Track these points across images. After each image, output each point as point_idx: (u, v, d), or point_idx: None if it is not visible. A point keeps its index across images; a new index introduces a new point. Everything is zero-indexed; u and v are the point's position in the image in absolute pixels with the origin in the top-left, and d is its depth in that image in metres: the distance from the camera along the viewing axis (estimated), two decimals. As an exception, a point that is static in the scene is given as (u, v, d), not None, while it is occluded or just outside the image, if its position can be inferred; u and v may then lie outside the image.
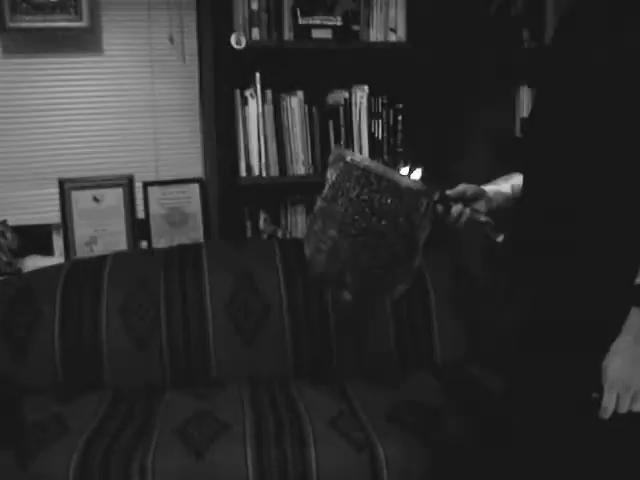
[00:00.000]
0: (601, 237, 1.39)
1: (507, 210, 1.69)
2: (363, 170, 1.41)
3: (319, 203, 1.49)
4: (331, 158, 1.50)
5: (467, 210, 1.61)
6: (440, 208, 1.60)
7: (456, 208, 1.60)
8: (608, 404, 1.36)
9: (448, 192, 1.63)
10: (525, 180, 1.61)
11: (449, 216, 1.61)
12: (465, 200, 1.64)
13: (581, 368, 1.41)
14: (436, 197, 1.54)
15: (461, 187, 1.66)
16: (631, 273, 1.34)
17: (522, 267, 1.56)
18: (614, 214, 1.38)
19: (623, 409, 1.36)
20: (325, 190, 1.48)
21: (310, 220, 1.51)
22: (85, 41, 2.85)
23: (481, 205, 1.66)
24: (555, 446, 1.50)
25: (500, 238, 1.60)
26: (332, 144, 2.96)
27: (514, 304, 1.63)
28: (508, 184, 1.71)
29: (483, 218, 1.62)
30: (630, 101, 1.34)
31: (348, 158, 1.43)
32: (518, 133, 3.08)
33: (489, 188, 1.70)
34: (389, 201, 1.41)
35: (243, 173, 2.87)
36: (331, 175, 1.47)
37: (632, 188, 1.35)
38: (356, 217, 1.43)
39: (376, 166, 1.42)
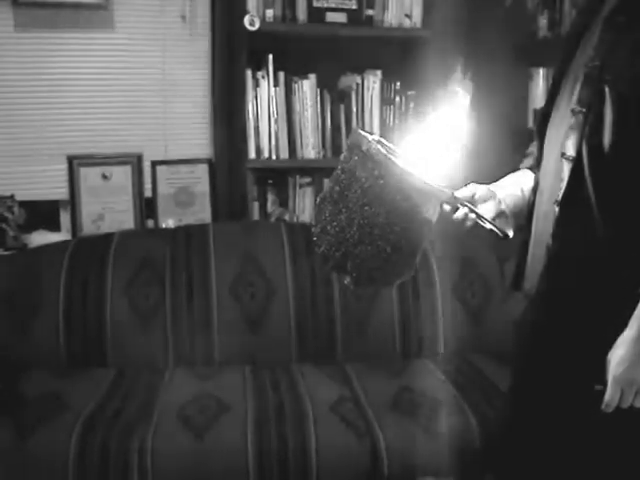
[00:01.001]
0: (613, 233, 1.37)
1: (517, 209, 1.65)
2: (376, 163, 1.40)
3: (332, 184, 1.49)
4: (349, 142, 1.49)
5: (472, 215, 1.58)
6: (446, 208, 1.58)
7: (461, 211, 1.57)
8: (611, 398, 1.35)
9: (456, 194, 1.60)
10: (538, 177, 1.58)
11: (454, 218, 1.59)
12: (474, 202, 1.61)
13: (588, 360, 1.40)
14: (445, 198, 1.52)
15: (470, 188, 1.63)
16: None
17: (532, 263, 1.54)
18: (627, 210, 1.36)
19: (626, 404, 1.35)
20: (339, 172, 1.47)
21: (321, 199, 1.50)
22: (97, 17, 2.82)
23: (490, 206, 1.62)
24: (558, 437, 1.49)
25: (510, 233, 1.57)
26: (343, 128, 2.94)
27: (522, 298, 1.61)
28: (518, 184, 1.68)
29: (488, 225, 1.59)
30: None
31: (364, 148, 1.42)
32: (531, 124, 3.05)
33: (499, 189, 1.67)
34: (398, 197, 1.40)
35: (252, 155, 2.85)
36: (346, 159, 1.46)
37: None
38: (366, 208, 1.42)
39: (388, 162, 1.41)
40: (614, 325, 1.36)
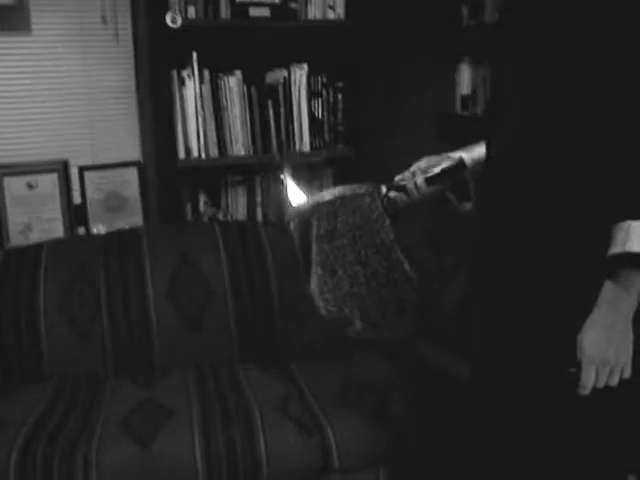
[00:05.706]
0: (572, 209, 1.37)
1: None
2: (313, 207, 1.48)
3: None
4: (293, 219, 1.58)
5: (419, 176, 1.59)
6: (395, 194, 1.59)
7: (409, 182, 1.58)
8: (587, 380, 1.35)
9: (396, 178, 1.61)
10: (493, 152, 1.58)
11: (410, 194, 1.59)
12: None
13: (556, 343, 1.40)
14: (383, 191, 1.55)
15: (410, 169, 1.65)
16: (604, 244, 1.31)
17: (490, 239, 1.54)
18: (585, 188, 1.36)
19: (601, 384, 1.35)
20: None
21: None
22: (12, 19, 2.73)
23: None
24: (528, 421, 1.48)
25: (467, 206, 1.58)
26: (272, 123, 2.92)
27: (478, 278, 1.61)
28: (470, 153, 1.68)
29: (437, 169, 1.60)
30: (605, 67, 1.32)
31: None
32: (459, 110, 3.08)
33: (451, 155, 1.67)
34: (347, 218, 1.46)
35: (182, 155, 2.81)
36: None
37: (607, 161, 1.32)
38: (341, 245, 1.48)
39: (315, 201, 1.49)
40: (580, 306, 1.35)
